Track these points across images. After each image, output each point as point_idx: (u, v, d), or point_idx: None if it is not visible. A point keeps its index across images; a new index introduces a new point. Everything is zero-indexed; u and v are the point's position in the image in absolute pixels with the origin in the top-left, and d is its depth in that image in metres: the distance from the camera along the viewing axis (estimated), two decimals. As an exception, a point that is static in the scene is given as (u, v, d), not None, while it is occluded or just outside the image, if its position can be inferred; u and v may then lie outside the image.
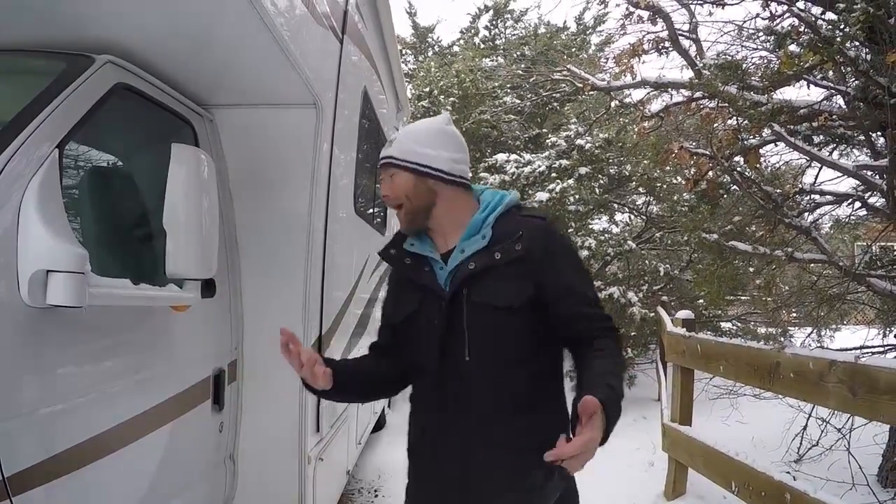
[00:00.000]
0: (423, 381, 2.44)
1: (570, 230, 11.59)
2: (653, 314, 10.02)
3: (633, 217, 14.38)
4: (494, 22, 17.84)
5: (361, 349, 5.28)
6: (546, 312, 2.25)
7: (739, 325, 11.69)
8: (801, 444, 6.52)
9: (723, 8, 8.38)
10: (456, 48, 18.19)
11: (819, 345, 7.44)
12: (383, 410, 8.61)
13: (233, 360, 3.59)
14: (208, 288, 3.15)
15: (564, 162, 11.65)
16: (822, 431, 6.28)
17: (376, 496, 6.38)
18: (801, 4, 6.50)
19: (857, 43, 5.84)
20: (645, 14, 8.48)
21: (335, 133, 3.93)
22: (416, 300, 2.37)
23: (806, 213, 7.21)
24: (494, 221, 2.31)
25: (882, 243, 7.23)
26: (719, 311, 11.50)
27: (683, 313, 6.60)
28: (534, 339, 2.28)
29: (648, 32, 8.71)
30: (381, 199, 2.47)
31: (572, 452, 1.79)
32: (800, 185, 7.11)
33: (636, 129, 9.45)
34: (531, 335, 2.27)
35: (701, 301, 10.76)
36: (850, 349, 6.05)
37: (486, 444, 2.25)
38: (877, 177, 6.05)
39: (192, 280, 2.73)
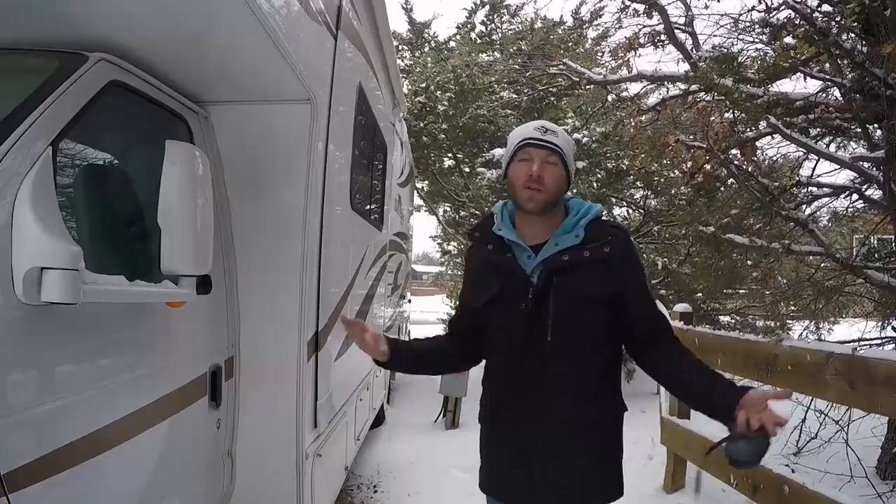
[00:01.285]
0: (501, 359, 2.67)
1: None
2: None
3: (631, 211, 14.37)
4: (491, 17, 17.78)
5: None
6: (619, 312, 2.57)
7: (738, 318, 11.70)
8: (799, 436, 6.52)
9: (718, 0, 8.38)
10: (452, 43, 18.13)
11: (817, 337, 7.45)
12: (382, 406, 8.62)
13: (230, 357, 3.59)
14: (204, 284, 3.14)
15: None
16: (821, 424, 6.29)
17: (375, 492, 6.38)
18: (796, -4, 6.49)
19: (853, 35, 5.84)
20: (640, 7, 8.47)
21: (330, 129, 3.92)
22: (496, 284, 2.61)
23: (803, 206, 7.22)
24: (586, 225, 2.58)
25: (880, 235, 7.24)
26: (717, 305, 11.51)
27: (681, 306, 6.59)
28: (606, 333, 2.59)
29: (644, 26, 8.71)
30: (530, 177, 2.54)
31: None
32: (797, 178, 7.12)
33: (633, 123, 9.44)
34: (605, 328, 2.58)
35: (699, 294, 10.76)
36: (848, 341, 6.05)
37: (558, 418, 2.52)
38: (873, 168, 6.05)
39: (188, 276, 2.72)
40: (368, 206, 5.95)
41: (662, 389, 6.86)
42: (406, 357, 2.87)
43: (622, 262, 2.56)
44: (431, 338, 3.03)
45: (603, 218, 2.69)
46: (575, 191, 11.29)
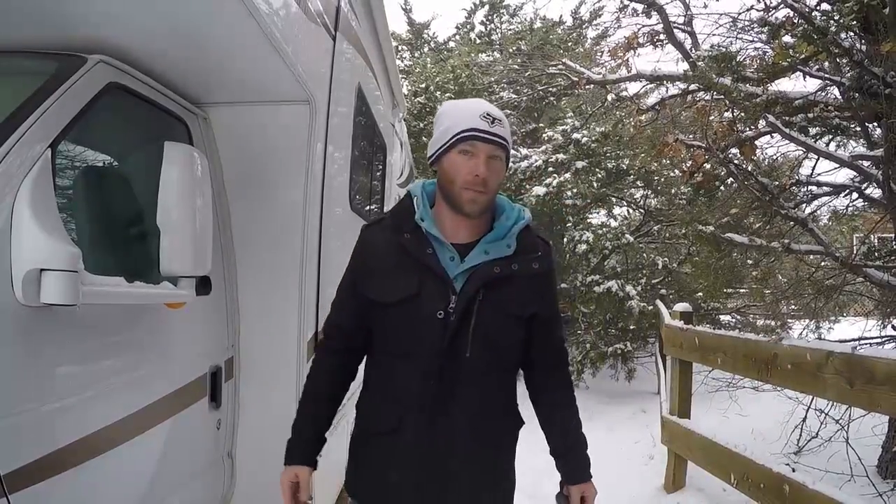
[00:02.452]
0: (406, 369, 2.34)
1: (568, 224, 11.60)
2: (651, 307, 10.03)
3: (631, 210, 14.38)
4: (490, 17, 17.83)
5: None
6: (530, 330, 2.42)
7: (738, 317, 11.70)
8: (800, 435, 6.52)
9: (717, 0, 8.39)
10: (452, 44, 18.18)
11: (817, 336, 7.45)
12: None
13: (230, 358, 3.59)
14: (204, 285, 3.14)
15: (561, 156, 11.66)
16: (822, 423, 6.29)
17: (376, 492, 6.37)
18: (795, -5, 6.50)
19: (851, 33, 5.84)
20: (639, 7, 8.49)
21: (329, 130, 3.92)
22: (414, 282, 2.29)
23: (803, 205, 7.22)
24: (520, 234, 2.36)
25: (880, 234, 7.23)
26: (718, 304, 11.51)
27: (681, 306, 6.60)
28: (521, 350, 2.43)
29: (643, 25, 8.73)
30: (476, 178, 2.23)
31: None
32: (796, 177, 7.12)
33: (632, 123, 9.45)
34: (521, 345, 2.42)
35: (700, 294, 10.77)
36: (848, 340, 6.05)
37: (473, 439, 2.32)
38: (873, 167, 6.05)
39: (187, 278, 2.72)
40: (368, 207, 5.95)
41: (663, 389, 6.87)
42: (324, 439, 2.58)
43: (546, 280, 2.42)
44: (325, 394, 2.59)
45: (532, 226, 2.45)
46: (575, 190, 11.29)
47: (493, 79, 14.21)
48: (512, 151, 2.36)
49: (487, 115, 2.28)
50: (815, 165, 7.74)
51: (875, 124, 6.21)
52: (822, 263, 7.03)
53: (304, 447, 2.56)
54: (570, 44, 16.24)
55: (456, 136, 2.27)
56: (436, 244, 2.31)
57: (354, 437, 2.58)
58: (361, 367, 2.60)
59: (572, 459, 2.50)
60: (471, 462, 2.34)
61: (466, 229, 2.35)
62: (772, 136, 7.16)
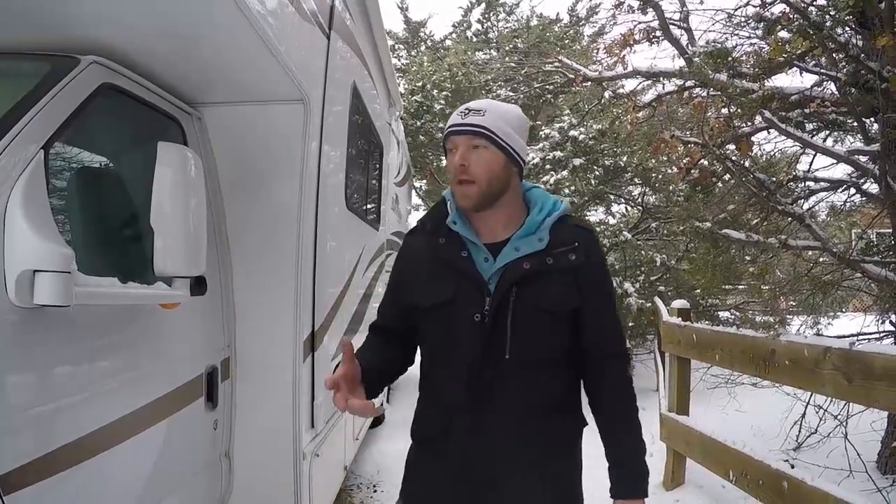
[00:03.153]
0: (448, 374, 2.33)
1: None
2: (650, 304, 10.02)
3: (629, 208, 14.37)
4: (487, 15, 17.83)
5: (357, 345, 5.27)
6: (577, 325, 2.32)
7: (737, 314, 11.70)
8: (799, 431, 6.52)
9: (713, -5, 8.41)
10: (448, 42, 18.17)
11: (815, 332, 7.45)
12: (382, 405, 8.61)
13: (226, 358, 3.59)
14: (199, 286, 3.15)
15: (558, 153, 11.64)
16: (821, 419, 6.29)
17: (375, 491, 6.38)
18: (791, -9, 6.49)
19: (847, 28, 5.84)
20: (635, 3, 8.48)
21: (324, 129, 3.92)
22: (450, 287, 2.28)
23: (801, 200, 7.21)
24: (551, 226, 2.30)
25: (878, 229, 7.23)
26: (716, 301, 11.51)
27: (679, 302, 6.60)
28: (568, 346, 2.33)
29: (639, 22, 8.72)
30: (456, 169, 2.25)
31: None
32: (794, 173, 7.12)
33: (629, 120, 9.44)
34: (567, 341, 2.32)
35: (698, 291, 10.76)
36: (846, 336, 6.05)
37: (519, 443, 2.26)
38: (870, 162, 6.05)
39: (181, 278, 2.72)
40: (365, 206, 5.95)
41: (661, 386, 6.87)
42: (375, 384, 2.36)
43: (588, 271, 2.30)
44: (376, 350, 2.52)
45: (571, 215, 2.41)
46: (572, 188, 11.28)
47: (489, 77, 14.21)
48: (510, 136, 2.27)
49: (465, 109, 2.29)
50: (812, 161, 7.76)
51: (872, 119, 6.21)
52: (820, 259, 7.03)
53: (364, 355, 2.38)
54: (566, 41, 16.25)
55: (443, 140, 2.32)
56: (470, 246, 2.31)
57: (410, 446, 2.59)
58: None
59: (621, 470, 2.36)
60: (517, 467, 2.28)
61: (501, 227, 2.33)
62: (769, 132, 7.16)
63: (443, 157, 11.00)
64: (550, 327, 2.27)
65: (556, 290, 2.25)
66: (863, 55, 5.60)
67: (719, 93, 6.64)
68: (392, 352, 2.53)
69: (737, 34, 7.60)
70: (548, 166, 11.54)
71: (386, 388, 9.33)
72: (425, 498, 2.46)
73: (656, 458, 6.69)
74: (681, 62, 7.89)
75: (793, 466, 4.39)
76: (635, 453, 2.36)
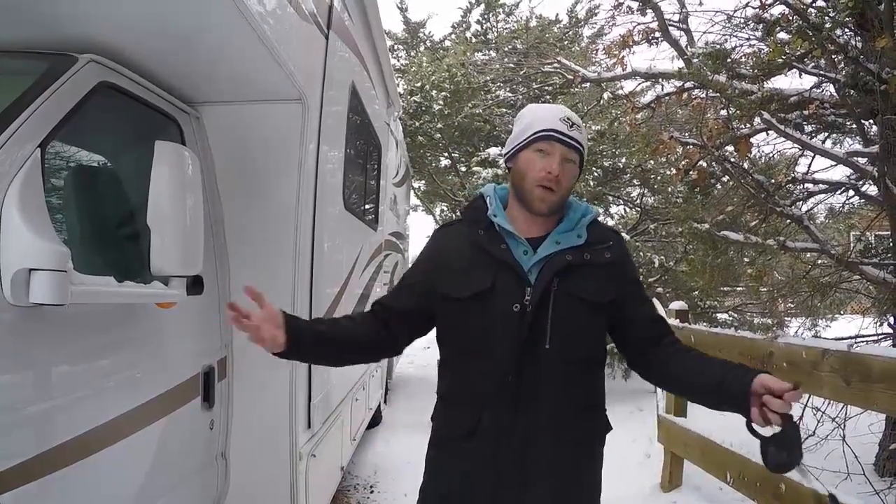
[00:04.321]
0: (482, 366, 2.33)
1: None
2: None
3: (627, 209, 14.37)
4: (486, 16, 17.77)
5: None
6: (619, 318, 2.43)
7: (736, 315, 11.70)
8: (797, 433, 6.51)
9: (712, -4, 8.41)
10: (448, 43, 18.13)
11: (814, 334, 7.44)
12: (379, 406, 8.61)
13: (223, 358, 3.58)
14: (196, 285, 3.14)
15: (557, 155, 11.62)
16: (819, 421, 6.28)
17: (372, 492, 6.38)
18: (790, -8, 6.49)
19: (846, 29, 5.84)
20: (634, 4, 8.48)
21: (322, 129, 3.92)
22: (489, 277, 2.33)
23: (799, 202, 7.22)
24: (588, 225, 2.42)
25: (877, 231, 7.23)
26: (715, 302, 11.50)
27: (677, 304, 6.60)
28: (603, 341, 2.46)
29: (638, 23, 8.72)
30: (547, 175, 2.31)
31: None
32: (793, 174, 7.12)
33: (628, 121, 9.44)
34: (603, 338, 2.45)
35: (696, 292, 10.77)
36: (844, 338, 6.04)
37: (554, 439, 2.29)
38: (869, 164, 6.05)
39: (177, 277, 2.71)
40: (363, 206, 5.95)
41: (659, 388, 6.87)
42: (308, 347, 2.44)
43: (622, 267, 2.43)
44: (341, 319, 2.64)
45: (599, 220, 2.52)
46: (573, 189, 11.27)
47: (489, 77, 14.19)
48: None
49: (567, 119, 2.37)
50: (810, 163, 7.75)
51: (871, 121, 6.21)
52: (819, 261, 7.03)
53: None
54: (565, 42, 16.22)
55: (535, 134, 2.35)
56: (509, 239, 2.38)
57: (429, 447, 2.58)
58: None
59: (732, 369, 2.25)
60: (551, 466, 2.30)
61: (538, 225, 2.41)
62: (767, 134, 7.16)
63: (441, 158, 10.94)
64: (589, 319, 2.34)
65: (594, 282, 2.34)
66: (862, 57, 5.60)
67: (718, 94, 6.65)
68: (362, 327, 2.53)
69: (736, 35, 7.61)
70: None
71: (383, 389, 9.35)
72: (451, 499, 2.44)
73: (654, 459, 6.71)
74: (680, 63, 7.89)
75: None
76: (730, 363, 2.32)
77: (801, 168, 7.78)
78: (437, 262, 2.52)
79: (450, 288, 2.40)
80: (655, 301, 7.94)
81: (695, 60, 6.79)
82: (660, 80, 8.84)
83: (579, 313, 2.31)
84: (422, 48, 18.20)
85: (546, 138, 2.33)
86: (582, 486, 2.40)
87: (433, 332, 2.57)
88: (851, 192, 7.03)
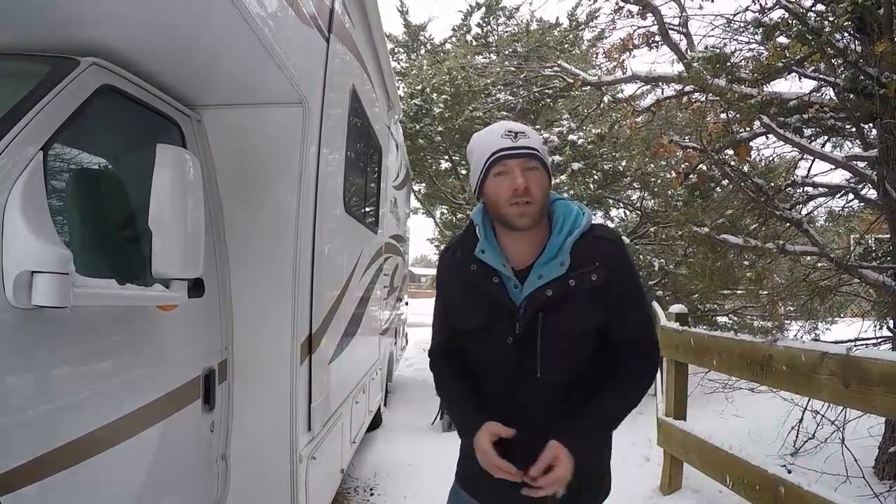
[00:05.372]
0: (489, 387, 2.47)
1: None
2: (648, 309, 10.01)
3: (627, 212, 14.38)
4: (486, 19, 17.79)
5: (355, 347, 5.28)
6: (606, 325, 2.37)
7: (735, 318, 11.70)
8: (796, 437, 6.52)
9: (712, 0, 8.40)
10: (448, 46, 18.15)
11: (813, 337, 7.44)
12: (379, 409, 8.61)
13: (223, 360, 3.58)
14: (196, 288, 3.15)
15: (558, 158, 11.66)
16: (818, 424, 6.28)
17: (372, 494, 6.38)
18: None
19: (846, 34, 5.85)
20: (634, 8, 8.49)
21: (323, 132, 3.93)
22: (484, 313, 2.39)
23: (799, 206, 7.22)
24: (573, 246, 2.33)
25: (877, 235, 7.23)
26: (715, 306, 11.51)
27: (676, 307, 6.59)
28: (597, 355, 2.40)
29: (639, 27, 8.73)
30: (515, 192, 2.26)
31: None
32: (792, 178, 7.12)
33: (628, 124, 9.45)
34: (596, 353, 2.39)
35: (696, 295, 10.77)
36: (843, 341, 6.04)
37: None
38: (868, 168, 6.06)
39: (179, 280, 2.72)
40: (363, 209, 5.95)
41: (659, 391, 6.87)
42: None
43: (614, 286, 2.33)
44: (463, 382, 2.61)
45: (595, 226, 2.42)
46: (571, 192, 11.29)
47: (489, 81, 14.20)
48: (547, 156, 2.38)
49: (508, 131, 2.34)
50: (810, 166, 7.76)
51: (870, 125, 6.21)
52: (818, 264, 7.04)
53: (475, 415, 2.46)
54: (566, 46, 16.24)
55: (487, 161, 2.33)
56: (502, 275, 2.38)
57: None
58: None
59: (574, 419, 2.33)
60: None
61: (529, 248, 2.39)
62: (767, 138, 7.18)
63: (441, 161, 10.98)
64: (577, 347, 2.35)
65: (580, 311, 2.31)
66: (861, 61, 5.61)
67: (718, 98, 6.66)
68: (463, 369, 2.61)
69: (736, 39, 7.62)
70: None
71: (383, 392, 9.36)
72: (473, 481, 2.60)
73: (653, 462, 6.71)
74: (680, 67, 7.90)
75: (790, 472, 4.38)
76: (607, 417, 2.40)
77: (800, 171, 7.80)
78: (443, 298, 2.64)
79: (456, 320, 2.54)
80: (655, 305, 7.98)
81: (695, 64, 6.80)
82: (660, 83, 8.85)
83: (567, 343, 2.33)
84: (422, 51, 18.23)
85: (497, 161, 2.31)
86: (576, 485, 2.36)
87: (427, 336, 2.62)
88: (851, 196, 7.03)
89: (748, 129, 6.91)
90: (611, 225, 12.87)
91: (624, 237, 11.08)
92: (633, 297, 2.44)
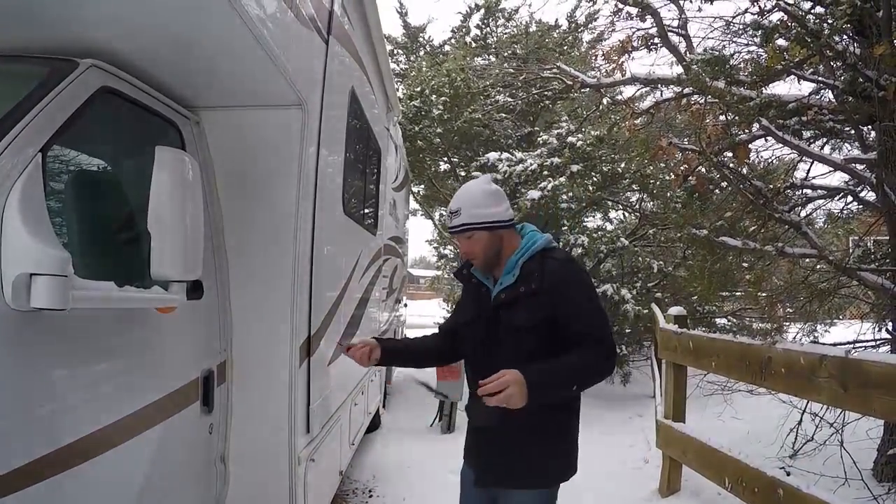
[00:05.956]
0: (469, 366, 3.36)
1: (563, 228, 11.58)
2: (647, 311, 10.04)
3: (626, 214, 14.39)
4: (486, 21, 17.79)
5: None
6: (556, 328, 3.04)
7: (734, 320, 11.70)
8: (795, 439, 6.52)
9: (711, 3, 8.40)
10: (447, 47, 18.16)
11: (812, 339, 7.44)
12: (378, 411, 8.61)
13: (222, 362, 3.58)
14: (195, 290, 3.14)
15: (556, 160, 11.66)
16: (817, 426, 6.28)
17: (371, 496, 6.38)
18: (789, -1, 6.50)
19: (845, 36, 5.85)
20: (634, 10, 8.48)
21: (322, 133, 3.93)
22: (474, 312, 3.31)
23: (798, 208, 7.22)
24: (523, 263, 3.14)
25: (875, 237, 7.23)
26: (713, 308, 11.51)
27: (675, 309, 6.59)
28: (543, 347, 3.03)
29: (638, 29, 8.72)
30: (463, 257, 3.34)
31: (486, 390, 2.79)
32: (791, 180, 7.12)
33: (627, 126, 9.45)
34: (542, 344, 3.05)
35: (695, 297, 10.77)
36: (842, 343, 6.04)
37: (506, 412, 2.88)
38: (867, 170, 6.05)
39: (177, 282, 2.72)
40: (362, 211, 5.95)
41: (658, 393, 6.88)
42: (398, 359, 3.76)
43: (554, 291, 3.03)
44: (422, 338, 3.70)
45: (548, 248, 3.22)
46: (570, 194, 11.28)
47: (488, 82, 14.20)
48: (485, 215, 3.20)
49: (449, 212, 3.28)
50: (809, 169, 7.76)
51: (869, 127, 6.21)
52: (817, 267, 7.03)
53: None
54: (565, 47, 16.26)
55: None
56: (487, 285, 3.30)
57: None
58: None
59: (542, 366, 2.93)
60: (504, 442, 3.12)
61: (501, 268, 3.24)
62: (766, 140, 7.18)
63: (440, 163, 11.15)
64: (525, 337, 3.06)
65: (525, 310, 3.06)
66: (860, 63, 5.61)
67: (717, 100, 6.66)
68: (435, 342, 3.64)
69: (735, 42, 7.63)
70: (545, 172, 11.55)
71: (382, 394, 9.36)
72: (465, 450, 3.51)
73: (652, 464, 6.71)
74: (679, 69, 7.90)
75: (788, 474, 4.38)
76: (560, 371, 2.97)
77: (799, 174, 7.81)
78: (460, 298, 3.64)
79: (458, 315, 3.56)
80: (654, 307, 7.98)
81: (694, 66, 6.79)
82: (659, 85, 8.85)
83: (514, 334, 3.08)
84: (421, 53, 18.24)
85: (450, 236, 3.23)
86: (523, 447, 3.12)
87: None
88: (850, 198, 7.04)
89: (747, 131, 6.92)
90: (609, 227, 12.89)
91: (623, 239, 11.15)
92: (572, 301, 3.07)
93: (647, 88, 9.64)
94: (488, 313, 3.19)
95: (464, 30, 18.11)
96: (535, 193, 11.18)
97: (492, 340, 3.16)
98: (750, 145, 7.03)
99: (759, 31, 6.57)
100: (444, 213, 17.25)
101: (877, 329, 6.68)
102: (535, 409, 2.86)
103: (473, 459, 3.39)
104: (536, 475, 3.15)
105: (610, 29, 10.07)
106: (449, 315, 3.99)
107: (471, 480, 3.36)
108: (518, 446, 3.11)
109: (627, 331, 11.21)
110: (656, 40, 8.49)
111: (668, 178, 10.58)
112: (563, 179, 11.37)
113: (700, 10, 9.58)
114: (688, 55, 7.84)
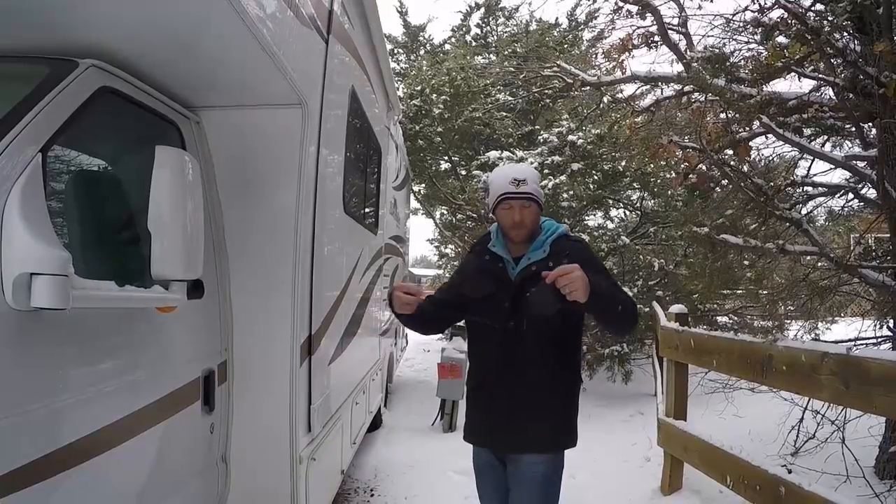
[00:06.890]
0: (486, 341, 3.51)
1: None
2: (648, 309, 10.02)
3: (627, 212, 14.37)
4: (486, 19, 17.80)
5: (355, 348, 5.28)
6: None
7: (735, 318, 11.68)
8: (797, 437, 6.51)
9: (711, 0, 8.38)
10: (448, 46, 18.14)
11: (813, 337, 7.44)
12: (379, 410, 8.61)
13: (223, 361, 3.58)
14: (196, 289, 3.14)
15: (557, 158, 11.65)
16: (818, 424, 6.27)
17: (372, 495, 6.38)
18: (789, -5, 6.49)
19: (845, 33, 5.84)
20: (634, 8, 8.47)
21: (322, 133, 3.93)
22: (492, 285, 3.44)
23: (798, 205, 7.21)
24: (552, 242, 3.41)
25: (877, 234, 7.22)
26: (715, 306, 11.49)
27: (676, 307, 6.58)
28: (568, 320, 3.37)
29: (638, 27, 8.71)
30: (515, 224, 3.40)
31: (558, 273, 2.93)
32: (792, 178, 7.11)
33: (627, 124, 9.44)
34: (567, 317, 3.32)
35: (696, 295, 10.76)
36: (843, 341, 6.04)
37: (528, 387, 3.35)
38: (867, 167, 6.05)
39: (178, 281, 2.72)
40: (363, 210, 5.95)
41: (659, 391, 6.87)
42: (412, 321, 3.61)
43: (582, 265, 3.03)
44: (420, 305, 3.56)
45: (569, 234, 3.54)
46: (571, 192, 11.28)
47: (488, 81, 14.21)
48: (540, 193, 3.48)
49: (514, 180, 3.40)
50: (810, 166, 7.76)
51: (869, 124, 6.21)
52: (818, 264, 7.02)
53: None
54: (565, 46, 16.24)
55: (497, 199, 3.43)
56: (505, 261, 3.49)
57: (466, 393, 3.78)
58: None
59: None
60: (526, 404, 3.36)
61: (521, 247, 3.48)
62: (767, 137, 7.17)
63: (441, 162, 11.09)
64: (553, 306, 3.12)
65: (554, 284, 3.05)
66: (861, 60, 5.60)
67: (717, 98, 6.66)
68: (431, 308, 3.58)
69: (735, 39, 7.60)
70: (546, 171, 11.54)
71: (384, 393, 9.36)
72: (470, 429, 3.67)
73: (654, 462, 6.71)
74: (679, 67, 7.89)
75: (790, 472, 4.37)
76: (610, 287, 3.28)
77: (800, 171, 7.79)
78: (460, 274, 3.79)
79: (473, 292, 3.53)
80: (655, 305, 7.97)
81: (694, 64, 6.80)
82: (659, 83, 8.84)
83: (545, 303, 3.15)
84: (422, 52, 18.22)
85: (503, 200, 3.41)
86: (548, 417, 3.40)
87: (427, 337, 3.53)
88: (850, 196, 7.03)
89: (748, 128, 6.91)
90: (610, 225, 12.89)
91: (624, 237, 11.14)
92: (599, 273, 3.30)
93: (648, 86, 9.61)
94: (513, 285, 3.38)
95: (464, 28, 18.10)
96: (536, 192, 11.14)
97: (519, 312, 3.32)
98: (750, 143, 7.02)
99: (760, 29, 6.57)
100: (445, 211, 17.28)
101: (878, 326, 6.67)
102: (549, 362, 3.35)
103: (485, 436, 3.58)
104: (546, 439, 3.41)
105: (610, 27, 10.03)
106: (441, 289, 3.86)
107: (485, 462, 3.61)
108: (528, 408, 3.36)
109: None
110: (656, 38, 8.47)
111: (668, 176, 10.57)
112: (563, 178, 11.37)
113: (700, 7, 9.58)
114: (688, 53, 7.83)
